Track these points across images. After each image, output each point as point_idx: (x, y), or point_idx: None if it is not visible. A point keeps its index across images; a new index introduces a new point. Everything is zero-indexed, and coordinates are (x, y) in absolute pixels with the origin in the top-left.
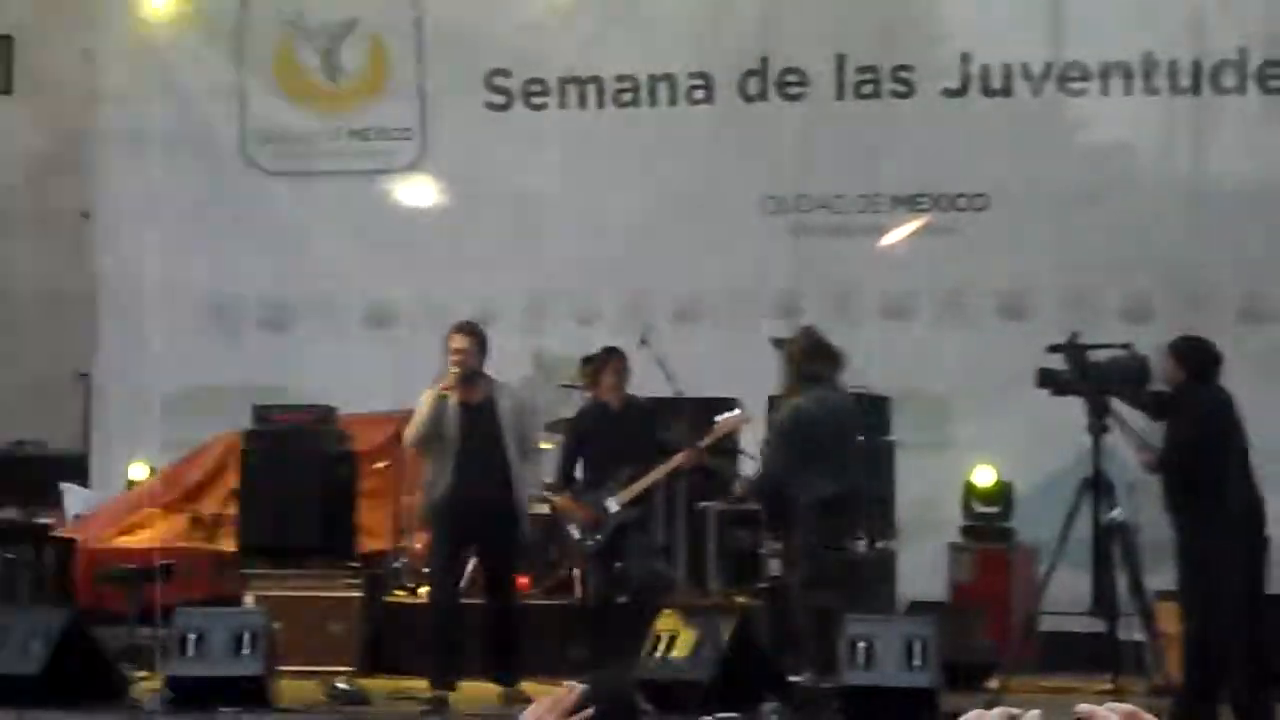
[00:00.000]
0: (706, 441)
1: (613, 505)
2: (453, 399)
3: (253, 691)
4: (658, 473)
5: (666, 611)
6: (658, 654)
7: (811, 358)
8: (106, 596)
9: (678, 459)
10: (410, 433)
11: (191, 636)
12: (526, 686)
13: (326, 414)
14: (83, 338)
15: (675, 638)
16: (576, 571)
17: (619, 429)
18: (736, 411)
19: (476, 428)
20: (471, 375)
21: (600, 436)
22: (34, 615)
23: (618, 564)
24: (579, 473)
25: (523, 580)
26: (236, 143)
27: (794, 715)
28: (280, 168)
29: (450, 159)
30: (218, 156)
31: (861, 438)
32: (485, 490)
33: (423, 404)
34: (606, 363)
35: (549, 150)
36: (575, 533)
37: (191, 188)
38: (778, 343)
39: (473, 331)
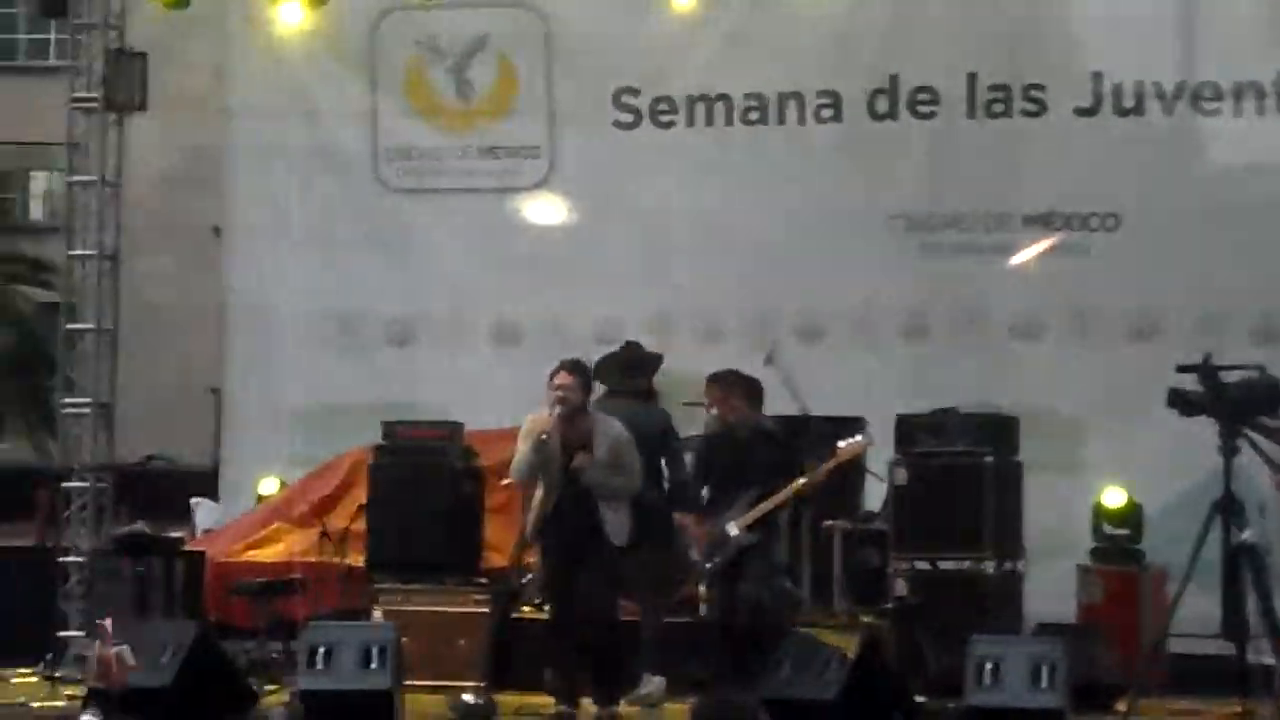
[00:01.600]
0: (824, 469)
1: (732, 529)
2: (555, 436)
3: (381, 706)
4: (777, 499)
5: (794, 629)
6: (783, 673)
7: (616, 372)
8: (235, 610)
9: (794, 487)
10: (514, 471)
11: (320, 650)
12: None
13: (454, 430)
14: (214, 353)
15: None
16: (702, 589)
17: (744, 452)
18: (858, 437)
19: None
20: (573, 413)
21: (725, 459)
22: (165, 629)
23: (743, 584)
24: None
25: None
26: (367, 160)
27: None
28: (409, 185)
29: (577, 177)
30: (348, 173)
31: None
32: (583, 527)
33: (523, 438)
34: (735, 385)
35: (676, 168)
36: (694, 555)
37: (322, 204)
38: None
39: (577, 369)
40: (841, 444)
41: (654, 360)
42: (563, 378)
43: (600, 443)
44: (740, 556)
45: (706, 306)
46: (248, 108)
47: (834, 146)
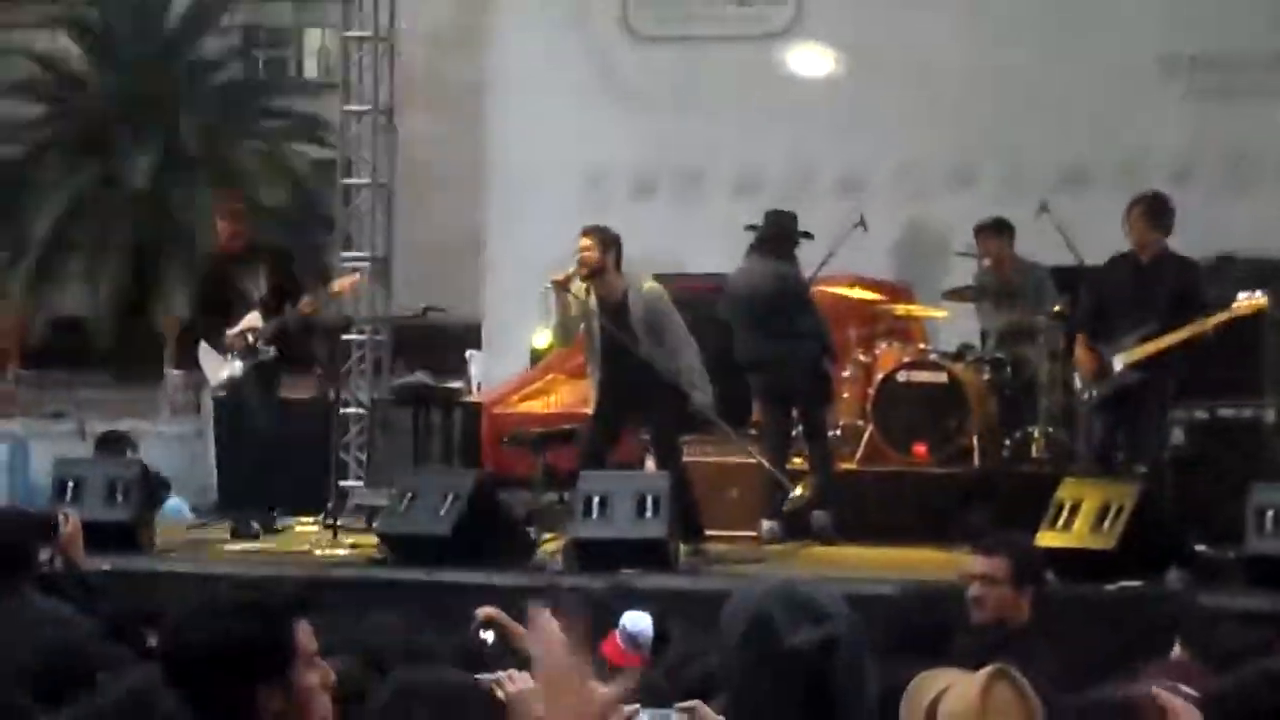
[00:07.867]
0: (1221, 317)
1: (1119, 363)
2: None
3: (656, 554)
4: (1172, 338)
5: (1069, 480)
6: (1059, 523)
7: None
8: (511, 461)
9: (1194, 329)
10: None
11: (595, 499)
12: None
13: (721, 282)
14: (482, 207)
15: (1078, 506)
16: (976, 440)
17: (1149, 279)
18: (1257, 293)
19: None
20: (595, 272)
21: (1124, 284)
22: (444, 478)
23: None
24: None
25: (920, 448)
26: (617, 8)
27: (1198, 584)
28: (661, 33)
29: (828, 23)
30: (598, 24)
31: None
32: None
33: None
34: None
35: (934, 12)
36: (1078, 381)
37: (572, 57)
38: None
39: (596, 231)
40: (1241, 295)
41: (788, 217)
42: (582, 240)
43: (635, 303)
44: (1123, 394)
45: (964, 153)
46: None
47: None
